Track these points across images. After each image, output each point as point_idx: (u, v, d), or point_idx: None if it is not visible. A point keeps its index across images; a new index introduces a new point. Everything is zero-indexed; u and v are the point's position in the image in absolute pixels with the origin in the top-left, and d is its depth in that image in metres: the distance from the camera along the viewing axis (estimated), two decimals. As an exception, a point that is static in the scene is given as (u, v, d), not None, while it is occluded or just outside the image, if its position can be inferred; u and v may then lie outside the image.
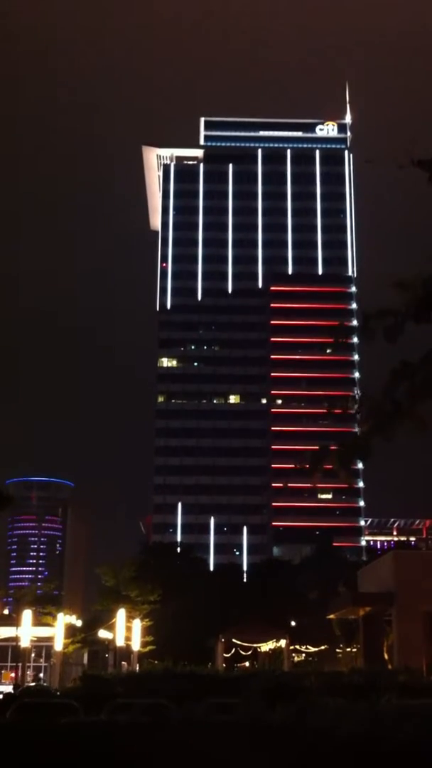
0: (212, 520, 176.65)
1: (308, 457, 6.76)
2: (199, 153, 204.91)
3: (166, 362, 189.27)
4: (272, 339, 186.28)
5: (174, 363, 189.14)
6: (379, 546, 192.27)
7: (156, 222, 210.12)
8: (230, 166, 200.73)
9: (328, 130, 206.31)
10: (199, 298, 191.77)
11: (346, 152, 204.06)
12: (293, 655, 77.28)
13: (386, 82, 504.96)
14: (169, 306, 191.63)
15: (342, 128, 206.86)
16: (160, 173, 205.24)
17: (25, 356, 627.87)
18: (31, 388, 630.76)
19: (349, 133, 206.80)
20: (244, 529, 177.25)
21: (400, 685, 21.32)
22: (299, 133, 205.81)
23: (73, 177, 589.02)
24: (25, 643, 56.40)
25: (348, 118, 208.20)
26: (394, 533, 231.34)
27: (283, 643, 67.25)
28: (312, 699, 17.07)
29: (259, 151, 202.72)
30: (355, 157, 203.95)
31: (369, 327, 6.73)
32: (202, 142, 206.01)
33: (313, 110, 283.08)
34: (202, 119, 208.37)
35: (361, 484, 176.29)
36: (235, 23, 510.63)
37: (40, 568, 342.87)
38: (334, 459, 6.67)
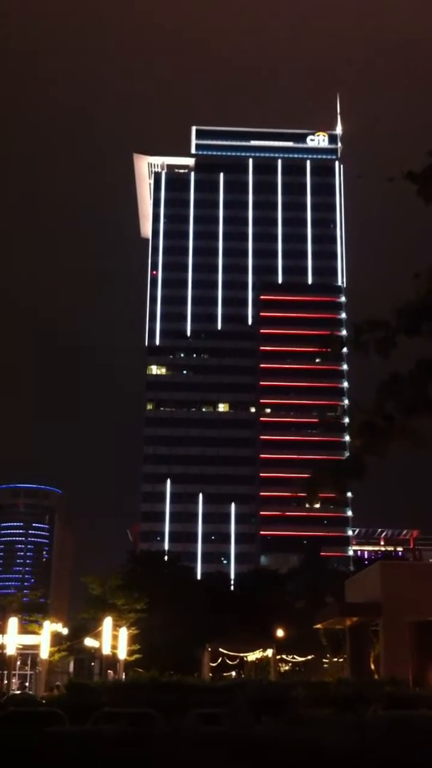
0: (200, 529, 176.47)
1: (303, 484, 6.73)
2: (190, 162, 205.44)
3: (155, 370, 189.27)
4: (262, 348, 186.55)
5: (163, 371, 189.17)
6: (366, 556, 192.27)
7: (146, 230, 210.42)
8: (221, 175, 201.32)
9: (318, 140, 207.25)
10: (189, 306, 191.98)
11: (337, 163, 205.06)
12: (280, 664, 77.15)
13: (377, 93, 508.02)
14: (158, 314, 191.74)
15: (333, 139, 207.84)
16: (151, 181, 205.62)
17: (12, 362, 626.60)
18: (20, 393, 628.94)
19: (339, 144, 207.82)
20: (232, 538, 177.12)
21: (386, 696, 21.31)
22: (290, 143, 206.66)
23: (63, 184, 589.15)
24: (10, 651, 56.09)
25: (339, 129, 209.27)
26: (382, 543, 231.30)
27: (269, 652, 67.19)
28: (299, 710, 17.05)
29: (250, 160, 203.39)
30: (346, 168, 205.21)
31: (360, 340, 6.74)
32: (193, 150, 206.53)
33: (304, 121, 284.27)
34: (194, 128, 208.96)
35: (349, 494, 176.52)
36: (227, 33, 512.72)
37: (26, 576, 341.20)
38: (328, 481, 6.64)
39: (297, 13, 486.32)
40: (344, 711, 16.25)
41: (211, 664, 69.10)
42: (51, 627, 66.81)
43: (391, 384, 6.37)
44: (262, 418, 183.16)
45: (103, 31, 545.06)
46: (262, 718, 16.45)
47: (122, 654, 62.19)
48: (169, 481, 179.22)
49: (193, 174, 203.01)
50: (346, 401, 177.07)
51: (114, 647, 61.81)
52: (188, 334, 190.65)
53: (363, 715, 15.21)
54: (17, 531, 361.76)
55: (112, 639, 60.32)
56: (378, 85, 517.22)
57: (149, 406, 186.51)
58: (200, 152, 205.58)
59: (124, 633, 62.70)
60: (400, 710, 17.48)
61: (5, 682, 64.91)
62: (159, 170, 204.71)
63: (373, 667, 47.98)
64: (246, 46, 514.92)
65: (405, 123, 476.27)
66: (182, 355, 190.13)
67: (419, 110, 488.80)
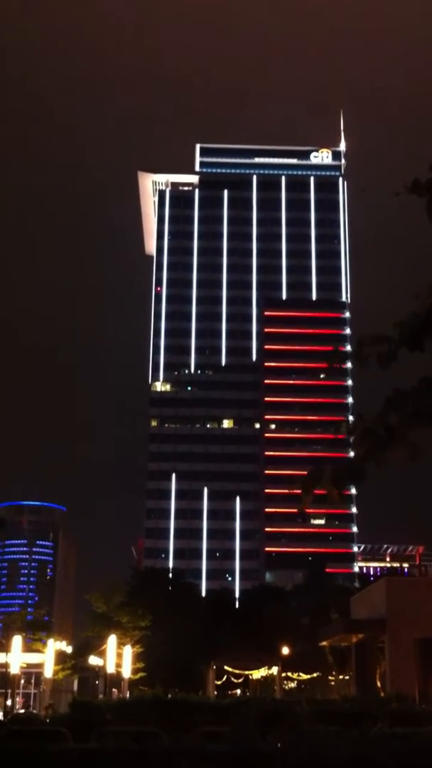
0: (204, 545, 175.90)
1: (300, 481, 6.74)
2: (194, 179, 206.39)
3: (159, 386, 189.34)
4: (266, 364, 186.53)
5: (167, 387, 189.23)
6: (371, 572, 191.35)
7: (151, 247, 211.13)
8: (225, 192, 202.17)
9: (322, 157, 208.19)
10: (194, 321, 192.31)
11: (341, 179, 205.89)
12: (285, 682, 76.63)
13: (381, 110, 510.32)
14: (163, 330, 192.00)
15: (336, 155, 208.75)
16: (156, 199, 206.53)
17: (19, 378, 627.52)
18: (23, 412, 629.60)
19: (343, 161, 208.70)
20: (237, 554, 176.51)
21: (391, 713, 21.17)
22: (294, 160, 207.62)
23: (68, 202, 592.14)
24: (14, 669, 55.82)
25: (342, 146, 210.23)
26: (387, 559, 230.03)
27: (275, 670, 66.73)
28: (304, 728, 16.95)
29: (254, 177, 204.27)
30: (349, 184, 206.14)
31: (362, 354, 6.75)
32: (197, 168, 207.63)
33: (307, 138, 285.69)
34: (198, 145, 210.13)
35: (354, 510, 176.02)
36: (231, 51, 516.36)
37: (30, 594, 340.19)
38: (326, 482, 6.65)
39: (302, 33, 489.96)
40: (349, 728, 16.14)
41: (216, 682, 68.61)
42: (55, 645, 66.59)
43: (394, 399, 6.40)
44: (266, 434, 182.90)
45: (108, 49, 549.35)
46: (267, 735, 16.32)
47: (126, 672, 61.89)
48: (173, 498, 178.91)
49: (197, 191, 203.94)
50: (351, 417, 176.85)
51: (118, 665, 61.50)
52: (192, 350, 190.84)
53: (368, 732, 15.10)
54: (21, 548, 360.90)
55: (117, 657, 60.01)
56: (382, 102, 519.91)
57: (153, 423, 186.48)
58: (204, 170, 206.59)
59: (128, 651, 62.42)
60: (406, 727, 17.36)
61: (9, 701, 64.54)
62: (163, 188, 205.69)
63: (379, 684, 47.65)
64: (249, 63, 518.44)
65: (408, 140, 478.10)
66: (186, 371, 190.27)
67: (423, 127, 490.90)
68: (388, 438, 6.16)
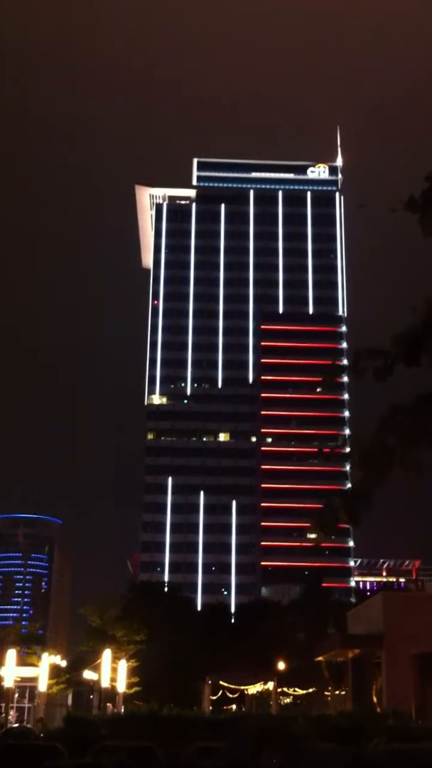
0: (200, 559, 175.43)
1: (313, 519, 6.75)
2: (191, 193, 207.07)
3: (156, 399, 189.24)
4: (262, 377, 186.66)
5: (164, 400, 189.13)
6: (368, 587, 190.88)
7: (148, 260, 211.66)
8: (222, 206, 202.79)
9: (319, 172, 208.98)
10: (191, 335, 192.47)
11: (337, 194, 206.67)
12: (281, 697, 76.29)
13: (377, 125, 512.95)
14: (159, 343, 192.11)
15: (333, 170, 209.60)
16: (153, 212, 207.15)
17: (11, 392, 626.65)
18: (19, 425, 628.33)
19: (340, 176, 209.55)
20: (233, 568, 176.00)
21: (388, 729, 21.05)
22: (291, 175, 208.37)
23: (65, 215, 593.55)
24: (8, 683, 55.56)
25: (339, 161, 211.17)
26: (384, 574, 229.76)
27: (270, 685, 66.48)
28: (300, 745, 16.86)
29: (251, 192, 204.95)
30: (346, 199, 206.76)
31: (359, 367, 6.78)
32: (194, 182, 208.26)
33: (304, 152, 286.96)
34: (195, 160, 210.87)
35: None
36: (229, 65, 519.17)
37: (24, 607, 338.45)
38: (340, 514, 6.66)
39: (299, 47, 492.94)
40: (345, 744, 16.05)
41: (212, 697, 68.30)
42: (49, 659, 66.24)
43: (392, 416, 6.41)
44: (262, 448, 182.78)
45: (105, 64, 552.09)
46: (262, 751, 16.23)
47: (121, 687, 61.54)
48: (169, 511, 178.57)
49: (194, 205, 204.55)
50: (348, 431, 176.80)
51: (113, 680, 61.20)
52: (189, 363, 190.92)
53: (364, 748, 15.03)
54: (16, 561, 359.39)
55: (111, 671, 59.73)
56: (379, 117, 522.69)
57: (150, 436, 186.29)
58: (201, 184, 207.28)
59: (123, 665, 62.07)
60: (402, 743, 17.26)
61: (2, 714, 64.14)
62: (161, 201, 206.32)
63: (375, 699, 47.44)
64: (247, 78, 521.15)
65: (405, 155, 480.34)
66: (183, 384, 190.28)
67: (419, 143, 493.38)
68: (387, 459, 6.18)
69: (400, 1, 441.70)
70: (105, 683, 59.18)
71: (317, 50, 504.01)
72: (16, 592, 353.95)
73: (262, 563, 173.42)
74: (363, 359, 6.72)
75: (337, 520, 6.50)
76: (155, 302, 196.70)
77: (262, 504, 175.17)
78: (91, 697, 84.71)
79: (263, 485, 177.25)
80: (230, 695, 71.92)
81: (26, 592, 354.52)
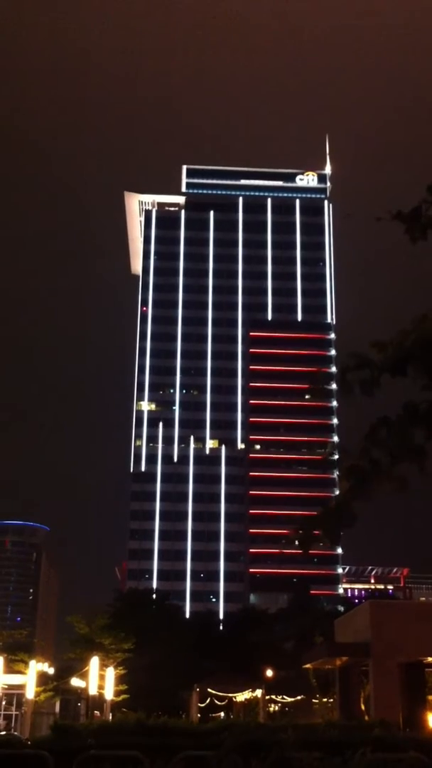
0: (189, 567, 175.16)
1: (294, 537, 6.74)
2: (180, 200, 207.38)
3: (144, 406, 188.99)
4: (251, 385, 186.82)
5: (152, 407, 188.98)
6: (356, 594, 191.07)
7: (137, 267, 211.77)
8: (211, 213, 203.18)
9: (308, 180, 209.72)
10: (179, 342, 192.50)
11: (326, 202, 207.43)
12: (269, 705, 76.15)
13: (366, 134, 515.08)
14: (148, 350, 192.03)
15: (322, 179, 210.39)
16: (142, 219, 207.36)
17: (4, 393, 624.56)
18: (7, 431, 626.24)
19: (328, 184, 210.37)
20: (221, 576, 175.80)
21: (375, 739, 21.04)
22: (280, 183, 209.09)
23: (54, 220, 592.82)
24: (-5, 691, 55.22)
25: (328, 169, 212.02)
26: (372, 581, 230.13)
27: (258, 693, 66.34)
28: (287, 754, 16.84)
29: (240, 199, 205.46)
30: (335, 208, 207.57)
31: (346, 380, 6.80)
32: (183, 189, 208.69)
33: (293, 160, 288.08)
34: (184, 167, 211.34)
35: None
36: (219, 73, 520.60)
37: (11, 614, 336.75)
38: (319, 530, 6.66)
39: (288, 56, 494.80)
40: (332, 754, 16.04)
41: (199, 705, 68.12)
42: (37, 666, 65.87)
43: (378, 429, 6.43)
44: (251, 455, 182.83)
45: (94, 70, 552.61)
46: (250, 762, 16.19)
47: (109, 694, 61.26)
48: (157, 519, 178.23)
49: (183, 212, 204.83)
50: (336, 438, 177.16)
51: (101, 687, 60.91)
52: (178, 370, 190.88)
53: (350, 758, 15.02)
54: (3, 569, 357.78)
55: (99, 679, 59.44)
56: (367, 125, 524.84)
57: (138, 443, 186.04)
58: (190, 191, 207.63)
59: (111, 673, 61.80)
60: (389, 753, 17.27)
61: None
62: (150, 208, 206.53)
63: (363, 708, 47.41)
64: (236, 86, 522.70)
65: (393, 164, 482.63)
66: (171, 391, 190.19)
67: (407, 152, 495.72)
68: (373, 472, 6.20)
69: (392, 11, 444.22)
70: (93, 691, 58.86)
71: (307, 59, 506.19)
72: (2, 599, 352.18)
73: (251, 571, 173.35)
74: (350, 372, 6.74)
75: (316, 539, 6.50)
76: (144, 309, 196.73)
77: (251, 511, 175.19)
78: (79, 704, 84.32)
79: (251, 492, 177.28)
80: (218, 702, 71.70)
81: (13, 599, 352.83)
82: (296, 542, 6.30)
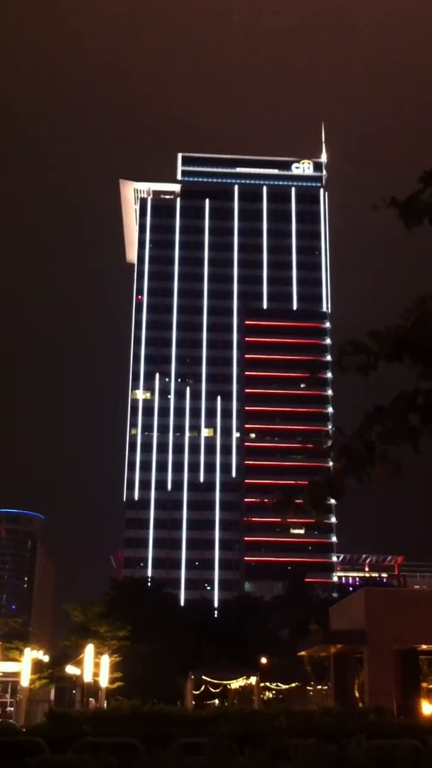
0: (184, 555, 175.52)
1: (278, 496, 6.71)
2: (176, 188, 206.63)
3: (139, 395, 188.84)
4: (246, 373, 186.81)
5: (147, 396, 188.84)
6: (350, 582, 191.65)
7: (132, 255, 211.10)
8: (207, 201, 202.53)
9: (303, 168, 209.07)
10: (174, 331, 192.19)
11: (322, 190, 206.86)
12: (264, 692, 76.47)
13: (362, 122, 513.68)
14: (143, 338, 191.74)
15: (318, 167, 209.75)
16: (137, 207, 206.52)
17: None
18: (2, 418, 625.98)
19: (324, 172, 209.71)
20: (216, 564, 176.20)
21: (369, 725, 21.14)
22: (275, 171, 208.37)
23: (48, 209, 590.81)
24: (-9, 679, 55.36)
25: (324, 157, 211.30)
26: (366, 569, 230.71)
27: (253, 680, 66.56)
28: (282, 741, 16.88)
29: (236, 187, 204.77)
30: (330, 196, 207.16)
31: (342, 363, 6.77)
32: (179, 177, 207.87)
33: (289, 149, 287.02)
34: (180, 155, 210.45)
35: (333, 520, 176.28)
36: (214, 61, 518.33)
37: (7, 602, 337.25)
38: (305, 501, 6.64)
39: (284, 44, 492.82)
40: (327, 741, 16.09)
41: (194, 692, 68.35)
42: (32, 654, 65.99)
43: (374, 414, 6.40)
44: (246, 444, 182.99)
45: (91, 59, 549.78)
46: (245, 749, 16.22)
47: (104, 682, 61.39)
48: (152, 507, 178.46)
49: (178, 200, 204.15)
50: (331, 427, 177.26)
51: (96, 675, 61.07)
52: (173, 359, 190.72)
53: (345, 745, 15.07)
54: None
55: (94, 666, 59.60)
56: (363, 114, 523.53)
57: (132, 431, 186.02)
58: (186, 179, 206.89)
59: (106, 660, 61.92)
60: (383, 740, 17.34)
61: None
62: (145, 196, 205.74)
63: (357, 695, 47.63)
64: (232, 74, 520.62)
65: (389, 152, 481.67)
66: (167, 379, 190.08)
67: (403, 138, 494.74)
68: (368, 454, 6.17)
69: (383, 3, 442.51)
70: (87, 678, 59.04)
71: (303, 47, 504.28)
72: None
73: (246, 559, 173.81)
74: (346, 355, 6.70)
75: (297, 507, 6.48)
76: (139, 298, 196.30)
77: (246, 500, 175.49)
78: (74, 692, 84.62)
79: (247, 481, 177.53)
80: (213, 690, 71.92)
81: (9, 587, 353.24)
82: (277, 510, 6.27)
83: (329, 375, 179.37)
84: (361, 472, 6.25)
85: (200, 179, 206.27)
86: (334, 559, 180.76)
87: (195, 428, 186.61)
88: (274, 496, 6.79)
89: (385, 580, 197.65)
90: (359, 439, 6.25)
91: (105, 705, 60.90)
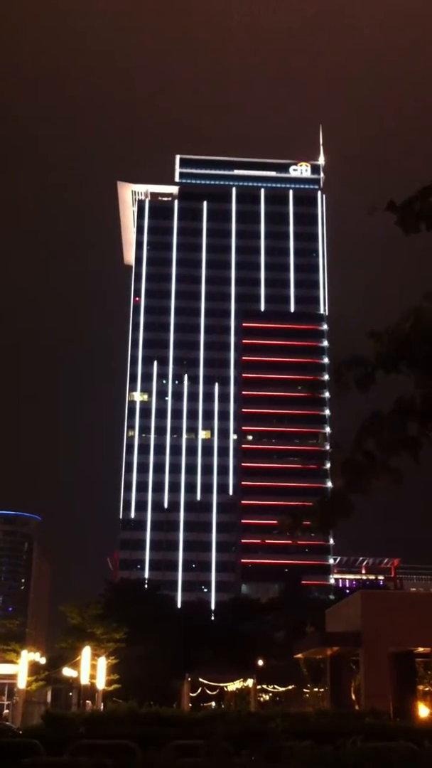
0: (180, 557, 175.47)
1: (286, 518, 6.74)
2: (173, 190, 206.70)
3: (136, 396, 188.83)
4: (243, 375, 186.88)
5: (144, 397, 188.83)
6: (347, 584, 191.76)
7: (129, 257, 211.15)
8: (204, 203, 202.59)
9: (301, 170, 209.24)
10: (171, 333, 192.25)
11: (319, 193, 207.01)
12: (260, 695, 76.49)
13: (361, 123, 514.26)
14: (141, 340, 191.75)
15: (315, 169, 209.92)
16: (135, 209, 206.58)
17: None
18: None
19: (322, 175, 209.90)
20: (213, 566, 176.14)
21: (366, 727, 21.20)
22: (273, 173, 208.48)
23: (48, 209, 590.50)
24: (-13, 681, 55.32)
25: (321, 160, 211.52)
26: (363, 572, 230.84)
27: (250, 682, 66.56)
28: (278, 743, 16.94)
29: (233, 189, 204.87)
30: (328, 198, 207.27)
31: (341, 379, 6.80)
32: (177, 179, 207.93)
33: (287, 151, 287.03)
34: (177, 157, 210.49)
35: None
36: (212, 63, 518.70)
37: (3, 604, 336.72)
38: (314, 519, 6.67)
39: (282, 46, 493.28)
40: (323, 743, 16.15)
41: (191, 694, 68.34)
42: (29, 656, 65.98)
43: (372, 423, 6.44)
44: (243, 446, 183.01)
45: (89, 61, 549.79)
46: (242, 750, 16.27)
47: (101, 684, 61.39)
48: (149, 509, 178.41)
49: (176, 202, 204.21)
50: (328, 429, 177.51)
51: (92, 677, 61.06)
52: (170, 360, 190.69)
53: (341, 747, 15.13)
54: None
55: (91, 669, 59.58)
56: (361, 116, 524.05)
57: (130, 433, 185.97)
58: (184, 181, 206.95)
59: (102, 663, 61.93)
60: (379, 742, 17.41)
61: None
62: (143, 198, 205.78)
63: (353, 697, 47.68)
64: (230, 76, 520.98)
65: (388, 152, 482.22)
66: (164, 381, 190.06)
67: (402, 140, 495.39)
68: (369, 465, 6.20)
69: (383, 3, 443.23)
70: (84, 680, 59.01)
71: (303, 47, 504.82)
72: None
73: (242, 561, 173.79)
74: (345, 370, 6.74)
75: (306, 528, 6.51)
76: (137, 299, 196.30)
77: (243, 501, 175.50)
78: (70, 694, 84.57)
79: (243, 483, 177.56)
80: (209, 692, 71.95)
81: (5, 589, 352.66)
82: (285, 531, 6.31)
83: (326, 377, 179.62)
84: (363, 485, 6.27)
85: (198, 181, 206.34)
86: (331, 561, 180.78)
87: (192, 430, 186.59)
88: (281, 518, 6.83)
89: (381, 583, 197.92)
90: (359, 450, 6.28)
91: (102, 707, 60.90)
